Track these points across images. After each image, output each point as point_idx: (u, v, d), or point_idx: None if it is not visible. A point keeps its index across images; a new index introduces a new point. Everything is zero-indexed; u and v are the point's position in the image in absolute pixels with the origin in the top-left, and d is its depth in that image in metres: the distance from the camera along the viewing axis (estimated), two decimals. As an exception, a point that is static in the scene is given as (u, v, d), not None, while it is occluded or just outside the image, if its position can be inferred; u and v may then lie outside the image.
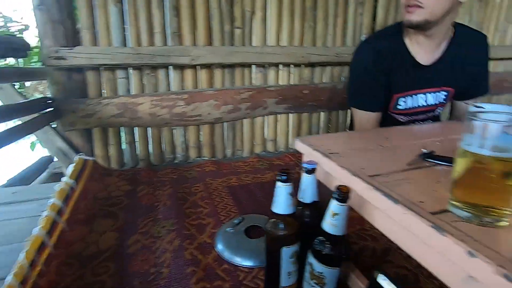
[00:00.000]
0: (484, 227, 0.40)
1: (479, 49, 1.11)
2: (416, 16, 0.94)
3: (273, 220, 0.67)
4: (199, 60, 1.57)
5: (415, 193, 0.49)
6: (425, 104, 1.14)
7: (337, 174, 0.63)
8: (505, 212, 0.40)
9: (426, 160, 0.64)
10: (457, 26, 1.07)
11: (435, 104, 1.15)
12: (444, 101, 1.17)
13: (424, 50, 1.05)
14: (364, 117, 1.13)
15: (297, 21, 1.76)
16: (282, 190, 0.64)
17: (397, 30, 1.08)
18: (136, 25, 1.49)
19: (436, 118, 1.23)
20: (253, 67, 1.77)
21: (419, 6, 0.92)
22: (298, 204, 0.69)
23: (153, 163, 1.69)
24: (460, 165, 0.42)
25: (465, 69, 1.09)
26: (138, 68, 1.55)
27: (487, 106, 1.00)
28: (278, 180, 0.64)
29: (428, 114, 1.19)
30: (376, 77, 1.07)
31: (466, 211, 0.41)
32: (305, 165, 0.67)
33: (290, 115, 1.91)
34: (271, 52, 1.68)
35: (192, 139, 1.73)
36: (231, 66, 1.70)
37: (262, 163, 1.69)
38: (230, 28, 1.65)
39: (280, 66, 1.82)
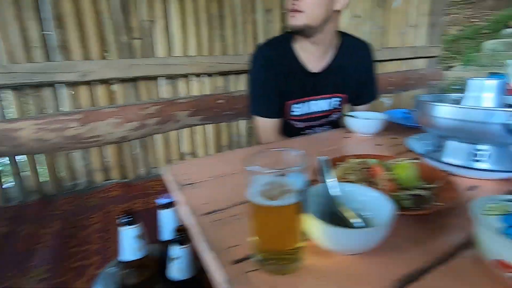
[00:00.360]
0: (279, 274, 0.38)
1: (364, 56, 1.17)
2: (297, 20, 0.96)
3: (121, 269, 0.59)
4: (92, 76, 1.42)
5: (237, 233, 0.46)
6: (319, 110, 1.15)
7: (179, 211, 0.57)
8: (293, 256, 0.37)
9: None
10: (343, 35, 1.12)
11: (330, 110, 1.18)
12: (339, 107, 1.20)
13: (312, 57, 1.07)
14: (265, 125, 1.12)
15: (204, 29, 1.70)
16: (125, 234, 0.57)
17: (287, 38, 1.08)
18: (7, 39, 1.28)
19: (334, 123, 1.26)
20: (160, 79, 1.66)
21: (299, 11, 0.95)
22: (160, 242, 0.63)
23: (49, 194, 1.49)
24: (250, 212, 0.39)
25: (353, 76, 1.13)
26: (15, 88, 1.34)
27: (360, 114, 1.05)
28: (119, 224, 0.56)
29: (324, 120, 1.21)
30: (268, 83, 1.07)
31: (261, 258, 0.38)
32: (159, 200, 0.61)
33: (208, 126, 1.85)
34: (178, 63, 1.60)
35: (96, 162, 1.57)
36: (133, 80, 1.57)
37: (177, 180, 1.59)
38: (128, 39, 1.53)
39: (191, 77, 1.75)
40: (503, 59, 4.02)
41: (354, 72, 1.14)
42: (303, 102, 1.11)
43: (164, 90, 1.69)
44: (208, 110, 1.76)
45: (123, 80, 1.54)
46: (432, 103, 0.61)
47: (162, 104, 1.61)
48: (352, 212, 0.43)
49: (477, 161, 0.61)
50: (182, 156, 1.82)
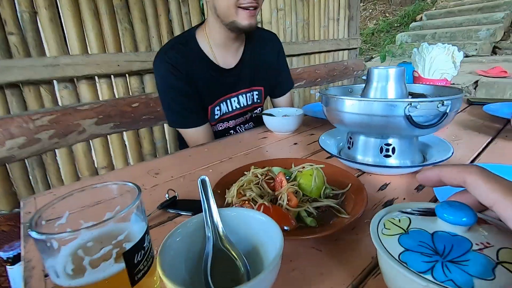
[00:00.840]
0: None
1: (273, 46, 1.12)
2: (255, 19, 0.88)
3: None
4: None
5: None
6: (238, 106, 1.08)
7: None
8: None
9: (167, 211, 0.49)
10: None
11: (250, 104, 1.11)
12: (259, 101, 1.14)
13: (225, 54, 0.99)
14: (194, 134, 0.98)
15: (106, 22, 1.46)
16: None
17: (192, 36, 0.97)
18: None
19: (258, 118, 1.19)
20: (55, 82, 1.38)
21: (257, 7, 0.86)
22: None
23: None
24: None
25: (266, 68, 1.09)
26: None
27: (277, 112, 0.98)
28: None
29: (246, 116, 1.14)
30: (183, 90, 0.94)
31: None
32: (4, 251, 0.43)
33: (125, 134, 1.62)
34: (72, 62, 1.34)
35: (-29, 192, 1.23)
36: (15, 85, 1.27)
37: (88, 201, 1.34)
38: (1, 34, 1.22)
39: (97, 78, 1.49)
40: (412, 49, 4.50)
41: (266, 63, 1.09)
42: (222, 102, 1.03)
43: (63, 96, 1.41)
44: (121, 116, 1.53)
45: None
46: (335, 96, 0.55)
47: (58, 112, 1.34)
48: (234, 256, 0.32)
49: (388, 156, 0.57)
50: (96, 172, 1.56)
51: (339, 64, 2.85)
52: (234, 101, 1.07)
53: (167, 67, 0.92)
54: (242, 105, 1.09)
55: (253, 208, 0.43)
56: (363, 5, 6.79)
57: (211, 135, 1.02)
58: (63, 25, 1.37)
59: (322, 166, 0.49)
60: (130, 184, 0.29)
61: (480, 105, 1.07)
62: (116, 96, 1.56)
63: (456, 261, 0.22)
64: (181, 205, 0.50)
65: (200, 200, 0.50)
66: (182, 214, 0.48)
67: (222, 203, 0.47)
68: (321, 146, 0.64)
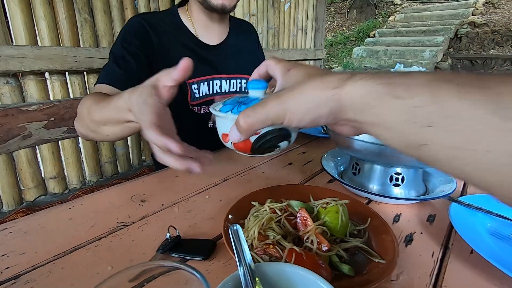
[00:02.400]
0: None
1: (252, 36, 1.11)
2: (229, 1, 0.83)
3: None
4: None
5: None
6: (220, 91, 0.99)
7: None
8: None
9: (170, 255, 0.41)
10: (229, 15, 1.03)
11: (234, 92, 1.03)
12: (246, 91, 1.07)
13: (207, 33, 0.94)
14: (103, 90, 0.71)
15: (61, 10, 1.26)
16: None
17: (173, 11, 0.92)
18: None
19: None
20: (-6, 77, 1.15)
21: None
22: None
23: None
24: None
25: (250, 56, 1.06)
26: None
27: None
28: None
29: None
30: (137, 52, 0.77)
31: None
32: None
33: (81, 139, 1.42)
34: (16, 54, 1.13)
35: None
36: None
37: (34, 219, 1.14)
38: None
39: (48, 75, 1.29)
40: (367, 63, 4.84)
41: (250, 52, 1.07)
42: (202, 81, 0.93)
43: (3, 93, 1.18)
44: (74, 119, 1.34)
45: None
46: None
47: (-3, 113, 1.11)
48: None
49: (397, 185, 0.56)
50: (42, 182, 1.34)
51: (305, 73, 2.92)
52: (216, 84, 0.96)
53: (138, 20, 0.82)
54: (224, 91, 0.99)
55: (280, 253, 0.38)
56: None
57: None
58: (6, 9, 1.15)
59: (346, 201, 0.45)
60: (196, 274, 0.21)
61: None
62: (71, 96, 1.36)
63: (245, 103, 0.35)
64: (187, 248, 0.42)
65: (208, 240, 0.44)
66: (190, 259, 0.41)
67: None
68: (325, 170, 0.61)
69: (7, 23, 1.16)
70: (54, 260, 0.41)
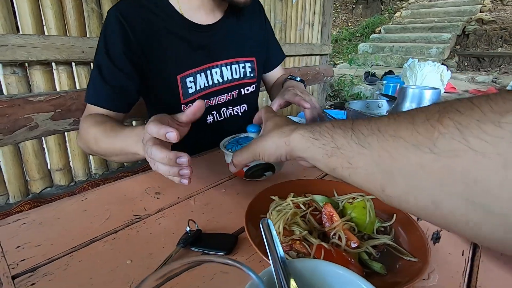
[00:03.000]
0: None
1: (257, 11, 0.96)
2: None
3: None
4: None
5: None
6: (221, 80, 0.85)
7: None
8: None
9: (191, 249, 0.40)
10: None
11: (239, 79, 0.88)
12: (252, 76, 0.91)
13: (199, 12, 0.79)
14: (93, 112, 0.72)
15: (69, 0, 1.24)
16: None
17: None
18: None
19: (248, 100, 0.94)
20: (0, 66, 1.13)
21: None
22: None
23: None
24: None
25: (254, 36, 0.92)
26: None
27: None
28: None
29: (231, 93, 0.89)
30: (122, 58, 0.70)
31: None
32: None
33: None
34: (23, 44, 1.11)
35: None
36: None
37: (40, 211, 1.13)
38: None
39: (54, 65, 1.27)
40: (372, 59, 4.79)
41: (254, 30, 0.92)
42: (199, 72, 0.80)
43: (9, 83, 1.16)
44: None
45: None
46: (367, 114, 0.50)
47: (3, 103, 1.09)
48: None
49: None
50: (48, 174, 1.33)
51: (311, 68, 2.88)
52: (216, 73, 0.83)
53: (114, 19, 0.69)
54: (226, 79, 0.86)
55: (307, 250, 0.36)
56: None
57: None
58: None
59: (372, 196, 0.43)
60: (253, 275, 0.20)
61: None
62: (78, 87, 1.34)
63: (241, 143, 0.57)
64: (208, 242, 0.41)
65: (230, 235, 0.42)
66: (211, 254, 0.39)
67: (259, 241, 0.39)
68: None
69: (14, 11, 1.14)
70: (71, 253, 0.39)
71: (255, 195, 0.49)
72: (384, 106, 0.70)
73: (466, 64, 4.42)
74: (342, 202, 0.43)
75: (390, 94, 1.10)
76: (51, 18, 1.21)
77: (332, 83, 3.82)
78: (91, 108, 0.71)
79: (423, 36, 4.89)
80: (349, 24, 6.71)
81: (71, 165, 1.41)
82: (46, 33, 1.21)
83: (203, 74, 0.81)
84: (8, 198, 1.23)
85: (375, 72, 3.76)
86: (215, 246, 0.40)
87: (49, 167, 1.34)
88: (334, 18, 7.06)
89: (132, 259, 0.38)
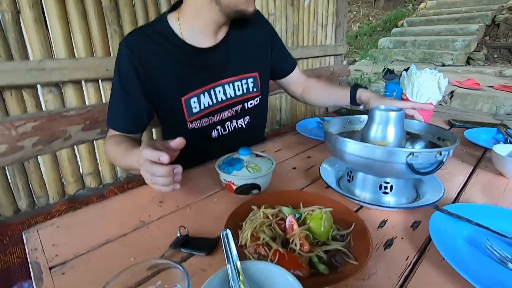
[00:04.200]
0: None
1: (261, 25, 0.99)
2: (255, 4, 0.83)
3: None
4: None
5: None
6: (225, 98, 0.91)
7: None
8: None
9: (180, 250, 0.50)
10: None
11: (242, 95, 0.94)
12: (255, 90, 0.97)
13: (201, 36, 0.85)
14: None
15: (94, 24, 1.40)
16: None
17: (162, 19, 0.84)
18: None
19: (251, 113, 1.00)
20: (39, 86, 1.32)
21: None
22: None
23: None
24: None
25: (257, 50, 0.97)
26: None
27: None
28: None
29: (235, 108, 0.95)
30: (130, 83, 0.80)
31: None
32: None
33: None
34: (58, 67, 1.28)
35: None
36: (-5, 89, 1.20)
37: (74, 211, 1.31)
38: (-21, 35, 1.14)
39: (84, 82, 1.44)
40: (393, 55, 4.66)
41: (257, 44, 0.96)
42: (203, 92, 0.87)
43: (47, 100, 1.34)
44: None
45: (-23, 92, 1.16)
46: (338, 137, 0.58)
47: (43, 119, 1.28)
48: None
49: (386, 193, 0.61)
50: (80, 178, 1.51)
51: (325, 69, 2.91)
52: (219, 91, 0.89)
53: (124, 52, 0.79)
54: (229, 96, 0.92)
55: (267, 253, 0.45)
56: (348, 7, 6.90)
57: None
58: (48, 26, 1.30)
59: (330, 209, 0.52)
60: (179, 267, 0.30)
61: (461, 128, 1.15)
62: (104, 101, 1.51)
63: (232, 165, 0.65)
64: (194, 244, 0.51)
65: (212, 239, 0.53)
66: (195, 254, 0.50)
67: (236, 243, 0.49)
68: (322, 179, 0.67)
69: (49, 39, 1.32)
70: (92, 251, 0.51)
71: (241, 203, 0.58)
72: (352, 121, 0.76)
73: (495, 56, 4.18)
74: (304, 213, 0.52)
75: (385, 103, 1.14)
76: (80, 41, 1.38)
77: (350, 81, 3.79)
78: (111, 131, 0.85)
79: (448, 28, 4.67)
80: (370, 19, 6.54)
81: (100, 170, 1.58)
82: (76, 55, 1.38)
83: (206, 94, 0.87)
84: (48, 199, 1.43)
85: (394, 69, 3.67)
86: (199, 248, 0.50)
87: (81, 172, 1.52)
88: (354, 12, 6.92)
89: (135, 257, 0.50)
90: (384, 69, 3.86)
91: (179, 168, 0.57)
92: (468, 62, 4.18)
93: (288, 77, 1.09)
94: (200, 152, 0.91)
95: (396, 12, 6.14)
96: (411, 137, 0.67)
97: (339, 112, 1.36)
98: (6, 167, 1.28)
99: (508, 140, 0.97)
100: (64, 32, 1.32)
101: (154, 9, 1.60)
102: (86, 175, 1.53)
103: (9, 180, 1.30)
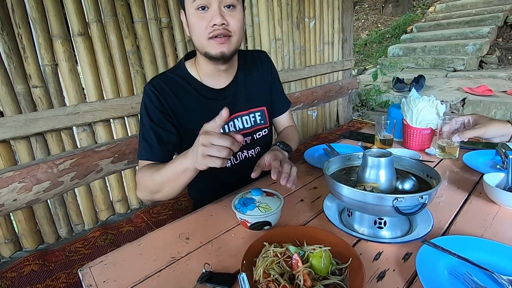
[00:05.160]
0: None
1: (266, 64, 1.11)
2: (228, 46, 0.85)
3: None
4: (-19, 138, 1.20)
5: None
6: (235, 130, 1.02)
7: None
8: None
9: (206, 285, 0.61)
10: (239, 51, 1.01)
11: (251, 127, 1.05)
12: (263, 122, 1.09)
13: (214, 79, 0.98)
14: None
15: (119, 67, 1.57)
16: None
17: (181, 65, 0.98)
18: None
19: (261, 142, 1.11)
20: (75, 127, 1.49)
21: (230, 36, 0.85)
22: None
23: None
24: None
25: (263, 86, 1.08)
26: None
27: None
28: None
29: (245, 139, 1.04)
30: (160, 120, 0.91)
31: None
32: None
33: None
34: (90, 109, 1.45)
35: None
36: (39, 133, 1.38)
37: (107, 236, 1.46)
38: (26, 88, 1.33)
39: (112, 120, 1.61)
40: (403, 62, 4.67)
41: (263, 81, 1.08)
42: None
43: (81, 138, 1.52)
44: (134, 153, 1.65)
45: (24, 137, 1.34)
46: (335, 181, 0.67)
47: (77, 155, 1.45)
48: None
49: (381, 228, 0.70)
50: (111, 205, 1.67)
51: (334, 84, 2.99)
52: (231, 125, 1.01)
53: (150, 91, 0.91)
54: (238, 128, 1.03)
55: (277, 288, 0.55)
56: (356, 15, 6.97)
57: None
58: (81, 74, 1.48)
59: (329, 248, 0.61)
60: None
61: (468, 149, 1.15)
62: (129, 134, 1.67)
63: (246, 205, 0.75)
64: (217, 279, 0.62)
65: (231, 274, 0.63)
66: (219, 288, 0.60)
67: (250, 278, 0.59)
68: (325, 215, 0.77)
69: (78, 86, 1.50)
70: (134, 286, 0.63)
71: (255, 239, 0.69)
72: (352, 158, 0.85)
73: (510, 58, 4.11)
74: (307, 251, 0.62)
75: (387, 132, 1.22)
76: (108, 84, 1.55)
77: (360, 92, 3.85)
78: (143, 163, 0.93)
79: (458, 32, 4.64)
80: (379, 25, 6.57)
81: (128, 196, 1.74)
82: (104, 97, 1.55)
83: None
84: (84, 226, 1.59)
85: (403, 78, 3.70)
86: (221, 283, 0.61)
87: (111, 199, 1.68)
88: (363, 20, 6.97)
89: (170, 291, 0.61)
90: (393, 79, 3.90)
91: (239, 136, 0.64)
92: (481, 66, 4.14)
93: (276, 118, 1.20)
94: (214, 181, 1.03)
95: (404, 18, 6.15)
96: (401, 176, 0.75)
97: (345, 136, 1.44)
98: (48, 200, 1.45)
99: (505, 163, 1.02)
100: (94, 78, 1.50)
101: (171, 48, 1.76)
102: (116, 202, 1.68)
103: (51, 211, 1.46)
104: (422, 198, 0.60)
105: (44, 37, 1.33)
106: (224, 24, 0.82)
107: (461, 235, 0.69)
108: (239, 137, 0.65)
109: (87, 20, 1.45)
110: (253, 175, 0.85)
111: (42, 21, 1.32)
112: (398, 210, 0.61)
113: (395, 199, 0.60)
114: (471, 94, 3.07)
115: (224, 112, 0.64)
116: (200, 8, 0.81)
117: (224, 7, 0.82)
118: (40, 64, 1.35)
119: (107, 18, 1.49)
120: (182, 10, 0.88)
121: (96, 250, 1.35)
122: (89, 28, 1.46)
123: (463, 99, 3.05)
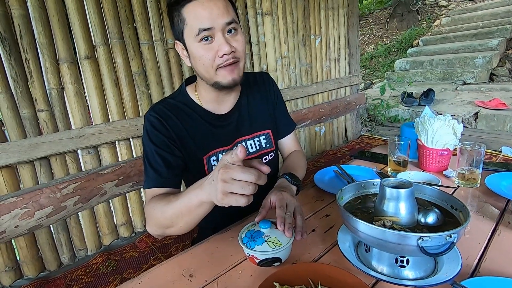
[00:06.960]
0: None
1: (269, 86, 1.08)
2: (238, 72, 0.82)
3: None
4: (-17, 164, 1.18)
5: None
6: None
7: None
8: None
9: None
10: None
11: (256, 151, 1.02)
12: (269, 146, 1.05)
13: (217, 105, 0.94)
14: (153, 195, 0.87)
15: (125, 89, 1.57)
16: None
17: (182, 91, 0.95)
18: None
19: (272, 163, 1.07)
20: (79, 150, 1.47)
21: (238, 61, 0.82)
22: None
23: None
24: None
25: (267, 109, 1.05)
26: None
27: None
28: None
29: None
30: (165, 145, 0.87)
31: None
32: None
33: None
34: (95, 132, 1.43)
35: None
36: (43, 157, 1.36)
37: (109, 262, 1.41)
38: (31, 112, 1.32)
39: (117, 142, 1.59)
40: (410, 76, 4.63)
41: (267, 104, 1.05)
42: (220, 152, 0.95)
43: (86, 161, 1.49)
44: (139, 175, 1.61)
45: (28, 161, 1.32)
46: (351, 215, 0.62)
47: (81, 179, 1.42)
48: None
49: (403, 267, 0.63)
50: (115, 229, 1.62)
51: (341, 100, 2.96)
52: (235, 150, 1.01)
53: (152, 117, 0.87)
54: (247, 152, 0.98)
55: None
56: (360, 30, 7.01)
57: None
58: (87, 97, 1.48)
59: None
60: None
61: (489, 171, 1.08)
62: (135, 156, 1.64)
63: (254, 239, 0.70)
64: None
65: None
66: None
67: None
68: (341, 251, 0.71)
69: (88, 107, 1.49)
70: (132, 335, 0.57)
71: (264, 277, 0.63)
72: (367, 186, 0.79)
73: (521, 69, 4.03)
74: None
75: (401, 153, 1.16)
76: (113, 106, 1.54)
77: (368, 107, 3.80)
78: (151, 192, 0.86)
79: (466, 44, 4.60)
80: (384, 40, 6.59)
81: (132, 219, 1.69)
82: (110, 119, 1.54)
83: (223, 153, 0.92)
84: (87, 251, 1.54)
85: (412, 93, 3.65)
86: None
87: (115, 223, 1.63)
88: (368, 35, 7.00)
89: None
90: (403, 93, 3.84)
91: (264, 166, 0.57)
92: (491, 79, 4.06)
93: (281, 140, 1.14)
94: (220, 208, 0.97)
95: (410, 32, 6.15)
96: (423, 207, 0.69)
97: (356, 156, 1.38)
98: (50, 226, 1.41)
99: (533, 187, 0.94)
100: (100, 100, 1.49)
101: (177, 68, 1.76)
102: (120, 225, 1.64)
103: (54, 237, 1.42)
104: (450, 237, 0.54)
105: (51, 61, 1.34)
106: (232, 52, 0.79)
107: (494, 275, 0.62)
108: (265, 168, 0.57)
109: (94, 44, 1.46)
110: (257, 219, 0.77)
111: (50, 45, 1.33)
112: (424, 250, 0.55)
113: (420, 239, 0.54)
114: (483, 107, 2.99)
115: (240, 153, 0.55)
116: (204, 39, 0.78)
117: (227, 33, 0.79)
118: (47, 87, 1.35)
119: (114, 41, 1.50)
120: (177, 41, 0.84)
121: (98, 278, 1.29)
122: (96, 51, 1.46)
123: (476, 113, 2.96)
